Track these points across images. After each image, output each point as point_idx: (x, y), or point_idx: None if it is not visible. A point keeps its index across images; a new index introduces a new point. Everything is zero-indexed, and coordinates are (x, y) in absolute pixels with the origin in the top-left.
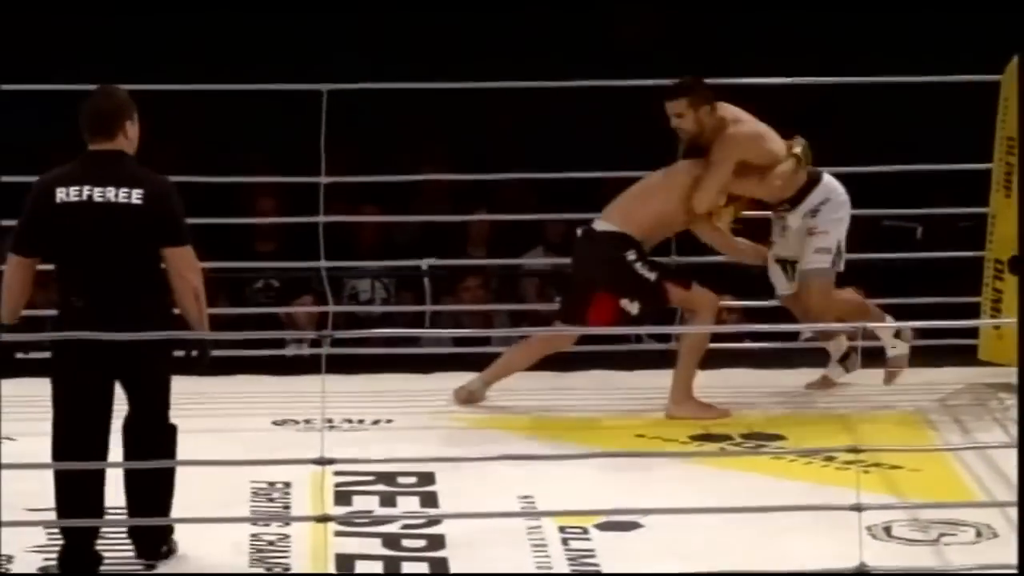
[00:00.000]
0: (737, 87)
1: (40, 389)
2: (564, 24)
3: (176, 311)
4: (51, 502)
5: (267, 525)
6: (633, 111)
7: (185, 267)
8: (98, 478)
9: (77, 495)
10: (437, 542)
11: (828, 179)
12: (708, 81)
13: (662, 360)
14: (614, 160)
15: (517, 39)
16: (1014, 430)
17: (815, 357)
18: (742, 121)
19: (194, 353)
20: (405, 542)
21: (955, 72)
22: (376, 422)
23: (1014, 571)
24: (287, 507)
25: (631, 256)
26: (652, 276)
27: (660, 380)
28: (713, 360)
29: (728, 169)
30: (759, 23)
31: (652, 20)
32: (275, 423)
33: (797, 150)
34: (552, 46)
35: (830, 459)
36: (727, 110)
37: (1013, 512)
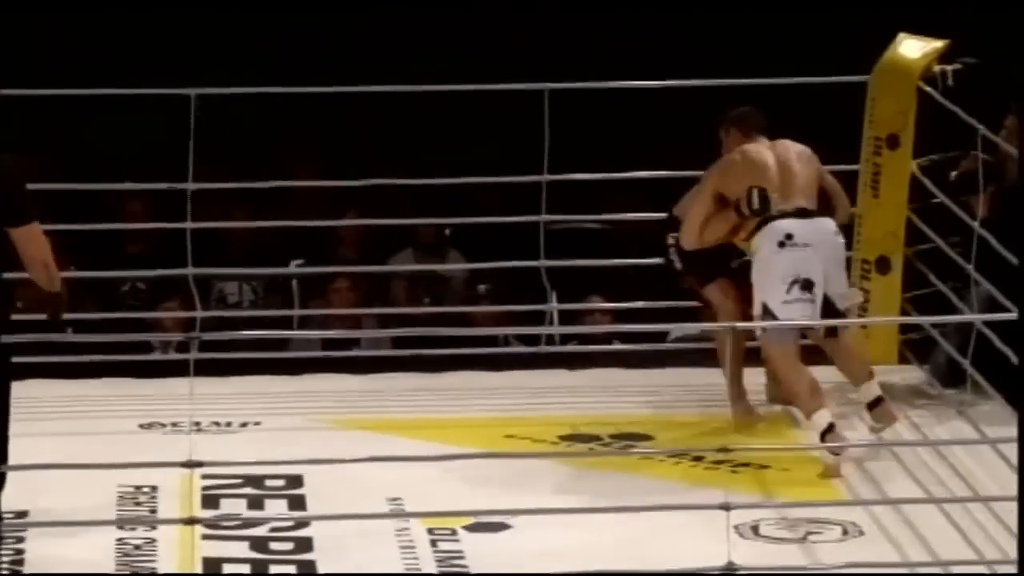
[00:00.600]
0: (608, 91)
1: None
2: (436, 26)
3: None
4: None
5: (134, 529)
6: (507, 114)
7: (30, 245)
8: None
9: None
10: (305, 545)
11: (765, 230)
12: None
13: (531, 361)
14: (489, 163)
15: (388, 42)
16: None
17: (685, 358)
18: (741, 151)
19: (48, 314)
20: (273, 545)
21: (821, 74)
22: (244, 425)
23: (881, 571)
24: (154, 511)
25: (670, 240)
26: (679, 265)
27: (528, 380)
28: (582, 360)
29: (704, 197)
30: (632, 27)
31: (522, 24)
32: (142, 426)
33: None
34: (423, 48)
35: (699, 459)
36: (750, 140)
37: (879, 510)
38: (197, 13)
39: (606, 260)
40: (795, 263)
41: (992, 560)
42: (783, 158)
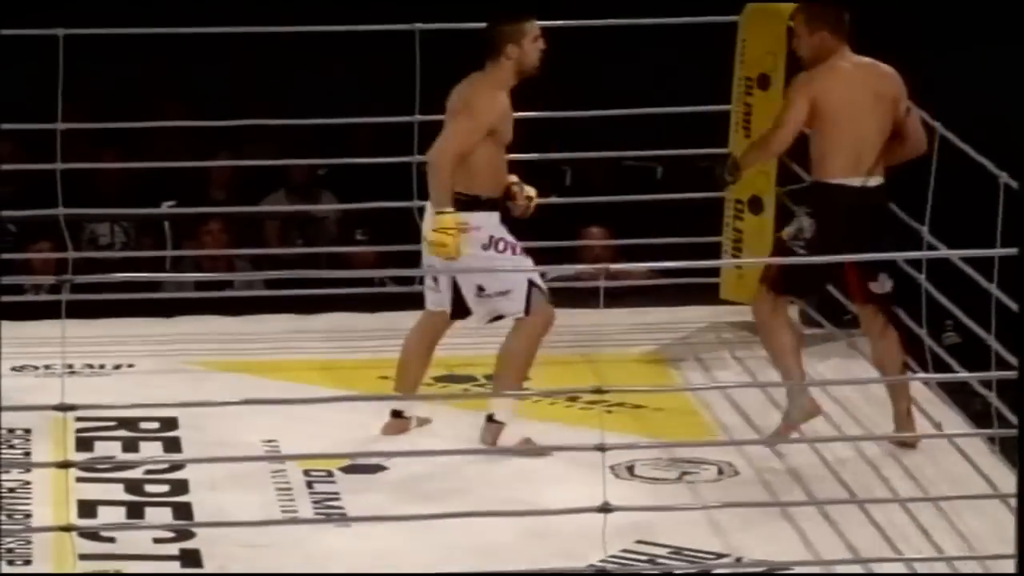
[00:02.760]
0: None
1: None
2: None
3: None
4: None
5: (7, 472)
6: (377, 56)
7: None
8: None
9: None
10: (180, 487)
11: None
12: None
13: (404, 302)
14: (361, 106)
15: None
16: (754, 366)
17: (561, 298)
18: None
19: None
20: (148, 487)
21: (694, 14)
22: (118, 367)
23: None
24: (27, 454)
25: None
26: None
27: (403, 321)
28: None
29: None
30: None
31: None
32: (14, 369)
33: None
34: None
35: (574, 399)
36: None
37: (752, 451)
38: None
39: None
40: None
41: (866, 500)
42: None
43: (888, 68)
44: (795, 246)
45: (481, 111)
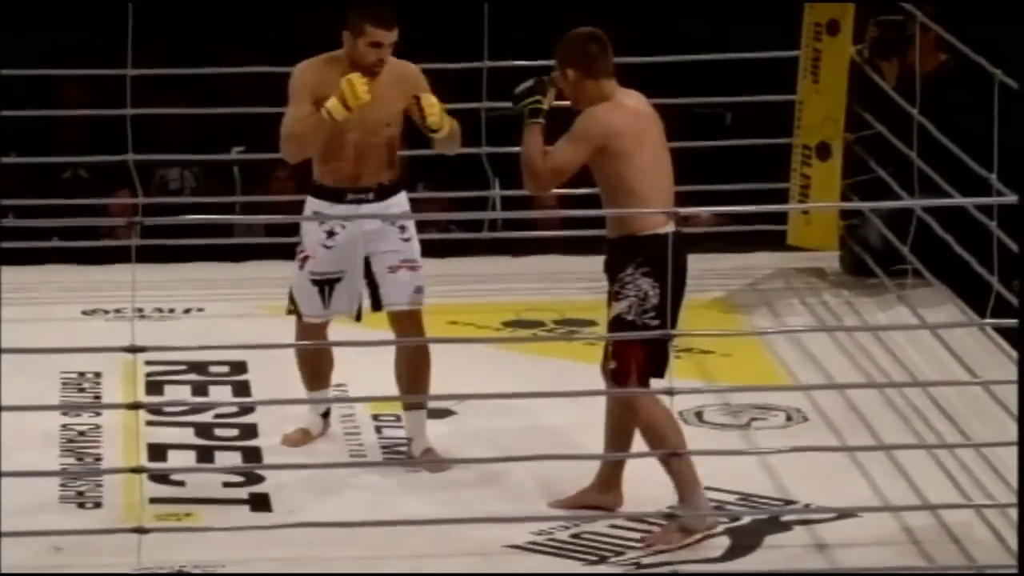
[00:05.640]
0: None
1: None
2: None
3: None
4: None
5: (78, 415)
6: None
7: None
8: None
9: None
10: (249, 431)
11: None
12: None
13: (471, 247)
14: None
15: None
16: (823, 313)
17: None
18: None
19: None
20: (217, 431)
21: None
22: (187, 311)
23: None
24: (98, 397)
25: None
26: None
27: (471, 267)
28: (524, 246)
29: None
30: None
31: None
32: (84, 313)
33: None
34: None
35: None
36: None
37: (820, 395)
38: None
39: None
40: None
41: (933, 445)
42: None
43: None
44: (645, 319)
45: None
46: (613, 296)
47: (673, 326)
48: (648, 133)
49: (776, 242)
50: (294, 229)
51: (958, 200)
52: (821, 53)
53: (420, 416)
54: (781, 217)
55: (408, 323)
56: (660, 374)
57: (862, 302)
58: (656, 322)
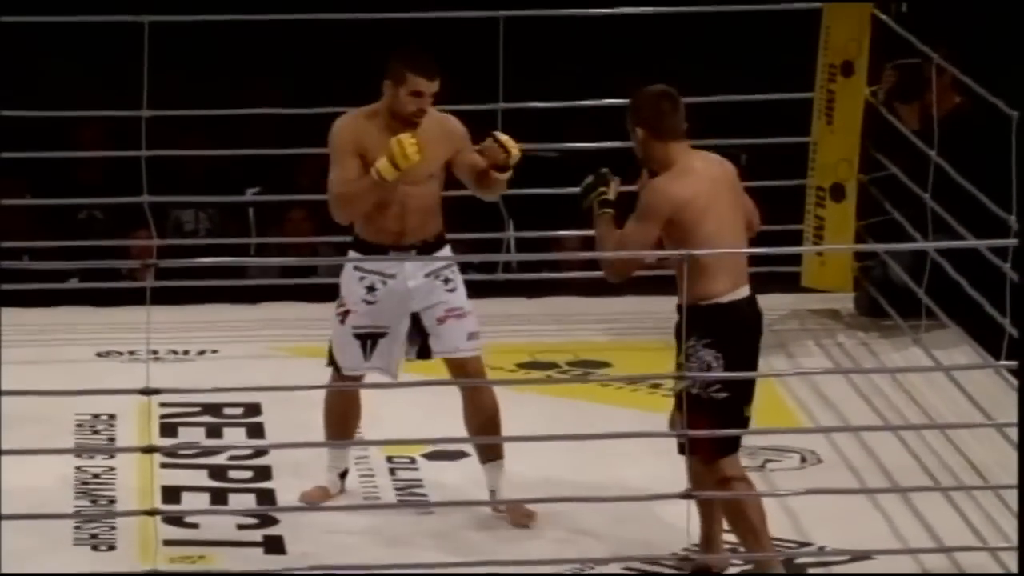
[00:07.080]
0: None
1: None
2: None
3: None
4: None
5: (92, 457)
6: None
7: None
8: None
9: None
10: (264, 473)
11: None
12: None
13: (485, 288)
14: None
15: None
16: (837, 354)
17: (641, 285)
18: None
19: None
20: (232, 473)
21: (779, 1)
22: (202, 353)
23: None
24: (112, 439)
25: None
26: None
27: (486, 308)
28: (538, 288)
29: None
30: None
31: None
32: (99, 355)
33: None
34: None
35: (656, 386)
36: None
37: (838, 437)
38: None
39: (563, 188)
40: None
41: (948, 487)
42: None
43: None
44: (711, 392)
45: None
46: (678, 366)
47: (750, 395)
48: (717, 197)
49: (790, 283)
50: (309, 271)
51: (971, 243)
52: (835, 94)
53: (499, 467)
54: (795, 258)
55: (466, 371)
56: (734, 448)
57: (877, 343)
58: (723, 395)
